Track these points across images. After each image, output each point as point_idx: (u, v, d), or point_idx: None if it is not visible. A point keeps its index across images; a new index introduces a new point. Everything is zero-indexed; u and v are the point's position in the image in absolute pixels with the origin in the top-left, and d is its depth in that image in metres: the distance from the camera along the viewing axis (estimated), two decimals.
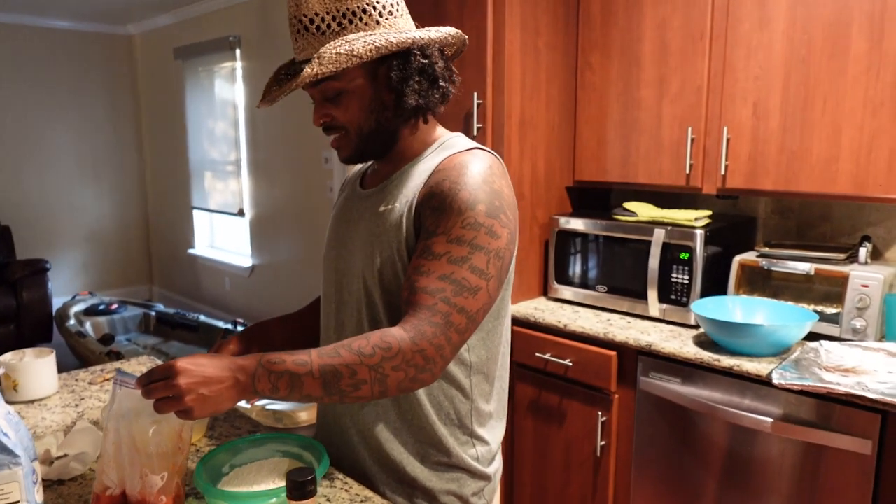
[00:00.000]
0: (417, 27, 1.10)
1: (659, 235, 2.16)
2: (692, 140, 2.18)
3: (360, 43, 1.00)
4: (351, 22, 1.02)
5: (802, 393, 1.70)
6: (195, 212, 5.71)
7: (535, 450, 2.37)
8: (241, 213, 5.08)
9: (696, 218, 2.18)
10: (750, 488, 1.85)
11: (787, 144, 1.99)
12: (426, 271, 0.99)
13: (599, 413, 2.15)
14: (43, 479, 1.11)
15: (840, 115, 1.88)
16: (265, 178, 4.80)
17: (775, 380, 1.67)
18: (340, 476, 1.14)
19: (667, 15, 2.20)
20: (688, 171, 2.21)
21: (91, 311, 4.81)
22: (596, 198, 2.72)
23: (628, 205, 2.38)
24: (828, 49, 1.88)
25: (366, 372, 0.94)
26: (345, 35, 1.02)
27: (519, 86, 2.31)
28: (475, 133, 2.33)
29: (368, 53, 1.00)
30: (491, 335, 1.14)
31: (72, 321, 4.56)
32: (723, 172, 2.12)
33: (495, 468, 1.21)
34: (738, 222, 2.33)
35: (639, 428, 2.08)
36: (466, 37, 1.13)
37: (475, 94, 2.30)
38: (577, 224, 2.39)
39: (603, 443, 2.16)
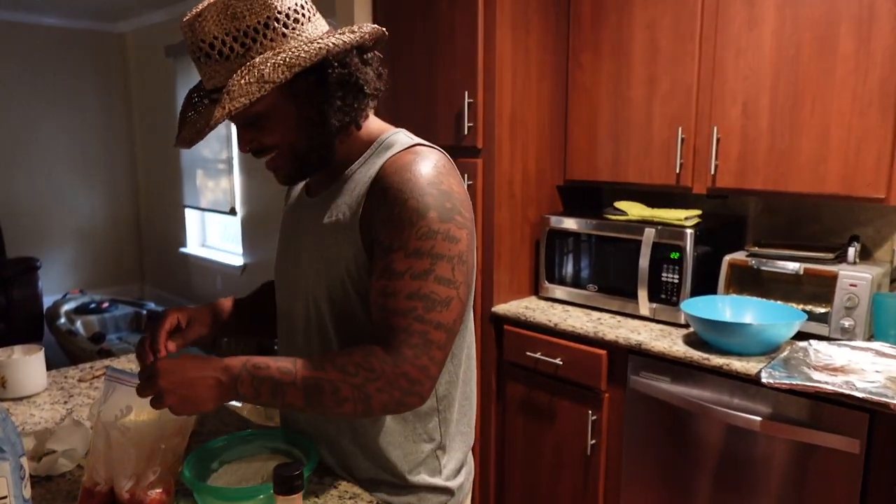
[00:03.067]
0: (330, 28, 1.01)
1: (649, 235, 2.17)
2: (682, 140, 2.19)
3: (268, 67, 0.90)
4: (255, 41, 0.92)
5: (791, 392, 1.71)
6: (187, 210, 5.69)
7: (525, 449, 2.37)
8: (232, 211, 5.07)
9: (686, 217, 2.19)
10: (739, 487, 1.86)
11: (777, 144, 2.00)
12: (392, 292, 0.94)
13: (590, 412, 2.15)
14: (31, 476, 1.10)
15: (828, 115, 1.90)
16: (257, 177, 4.79)
17: (764, 379, 1.68)
18: (329, 473, 1.14)
19: (657, 15, 2.21)
20: (678, 171, 2.22)
21: (82, 310, 4.79)
22: (587, 197, 2.73)
23: (619, 204, 2.39)
24: (816, 49, 1.90)
25: (349, 390, 0.92)
26: (250, 56, 0.92)
27: (510, 85, 2.31)
28: (465, 132, 2.33)
29: (280, 76, 0.90)
30: (455, 340, 1.08)
31: (62, 320, 4.54)
32: (713, 172, 2.13)
33: (460, 482, 1.15)
34: (727, 222, 2.34)
35: (629, 427, 2.09)
36: (384, 30, 1.03)
37: (466, 93, 2.31)
38: (567, 223, 2.39)
39: (593, 441, 2.17)
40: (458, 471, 1.15)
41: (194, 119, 1.01)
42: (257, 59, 0.91)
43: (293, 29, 0.94)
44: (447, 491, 1.13)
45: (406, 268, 0.94)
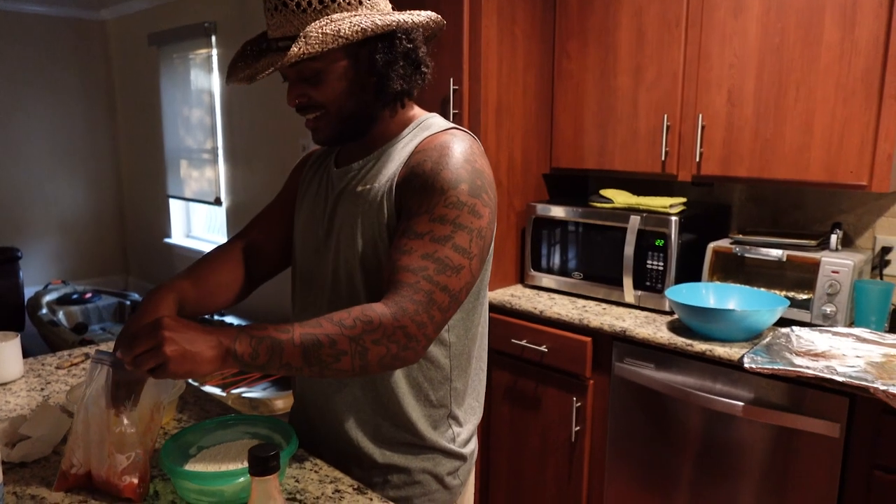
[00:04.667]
0: (393, 9, 1.09)
1: (634, 222, 2.16)
2: (668, 127, 2.19)
3: (346, 23, 0.98)
4: (333, 1, 1.00)
5: (773, 377, 1.72)
6: (171, 200, 5.63)
7: (511, 435, 2.38)
8: (217, 201, 5.02)
9: (671, 205, 2.19)
10: (722, 471, 1.87)
11: (761, 131, 2.00)
12: (408, 250, 0.98)
13: (574, 398, 2.15)
14: (4, 462, 1.08)
15: (812, 103, 1.90)
16: (242, 167, 4.75)
17: (746, 364, 1.69)
18: (310, 457, 1.13)
19: (643, 2, 2.20)
20: (663, 159, 2.21)
21: (64, 301, 4.73)
22: (573, 185, 2.72)
23: (605, 192, 2.38)
24: (801, 37, 1.90)
25: (346, 343, 0.93)
26: (326, 13, 1.00)
27: (495, 73, 2.30)
28: (451, 119, 2.32)
29: (354, 34, 0.98)
30: (471, 315, 1.14)
31: (44, 310, 4.49)
32: (698, 159, 2.14)
33: (471, 449, 1.22)
34: (712, 210, 2.35)
35: (613, 413, 2.09)
36: (445, 22, 1.12)
37: (451, 81, 2.29)
38: (553, 211, 2.39)
39: (578, 428, 2.17)
40: (469, 440, 1.21)
41: (242, 67, 1.08)
42: (335, 16, 0.99)
43: (369, 0, 1.03)
44: (461, 456, 1.18)
45: (428, 230, 0.99)
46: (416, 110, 1.16)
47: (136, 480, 0.97)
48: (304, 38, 0.96)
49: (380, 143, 1.12)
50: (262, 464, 0.71)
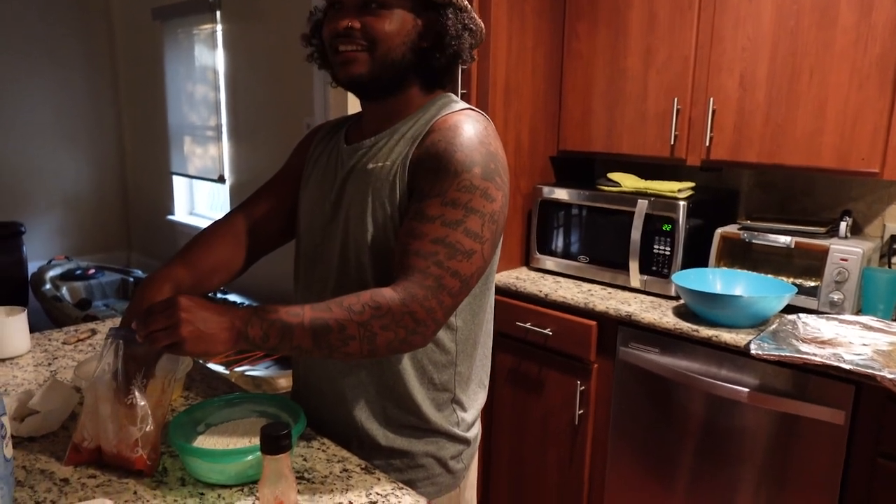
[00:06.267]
0: None
1: (642, 206, 2.15)
2: (678, 111, 2.16)
3: None
4: None
5: (779, 364, 1.71)
6: (174, 177, 5.61)
7: (513, 418, 2.38)
8: (221, 179, 5.00)
9: (679, 189, 2.18)
10: (725, 457, 1.87)
11: (773, 116, 1.98)
12: (419, 234, 0.98)
13: (578, 382, 2.16)
14: (13, 436, 1.09)
15: (826, 88, 1.88)
16: (246, 144, 4.73)
17: (753, 350, 1.69)
18: (318, 436, 1.13)
19: None
20: (672, 143, 2.19)
21: (68, 276, 4.73)
22: (580, 168, 2.70)
23: (612, 175, 2.37)
24: (816, 20, 1.87)
25: (355, 328, 0.94)
26: None
27: (505, 51, 2.27)
28: (458, 98, 2.29)
29: None
30: (478, 299, 1.14)
31: (48, 286, 4.50)
32: (707, 144, 2.12)
33: (475, 433, 1.22)
34: (720, 195, 2.33)
35: (617, 397, 2.09)
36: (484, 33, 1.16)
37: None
38: (560, 194, 2.37)
39: (581, 412, 2.17)
40: (473, 424, 1.21)
41: None
42: None
43: None
44: (464, 440, 1.18)
45: (439, 214, 0.98)
46: (435, 92, 1.14)
47: (147, 453, 0.97)
48: None
49: (393, 121, 1.11)
50: (274, 442, 0.71)
